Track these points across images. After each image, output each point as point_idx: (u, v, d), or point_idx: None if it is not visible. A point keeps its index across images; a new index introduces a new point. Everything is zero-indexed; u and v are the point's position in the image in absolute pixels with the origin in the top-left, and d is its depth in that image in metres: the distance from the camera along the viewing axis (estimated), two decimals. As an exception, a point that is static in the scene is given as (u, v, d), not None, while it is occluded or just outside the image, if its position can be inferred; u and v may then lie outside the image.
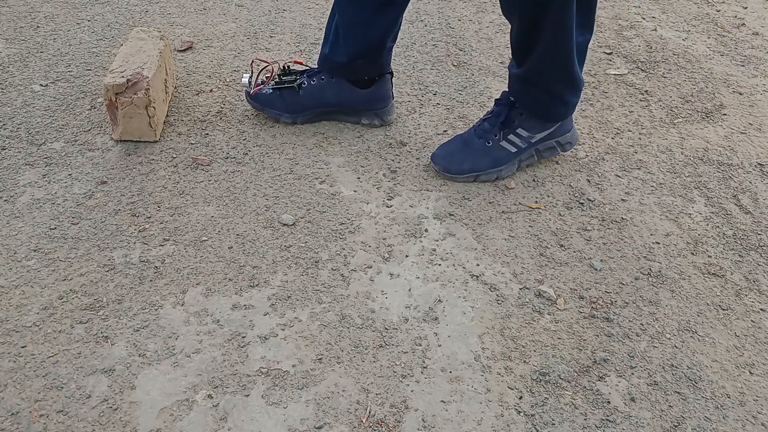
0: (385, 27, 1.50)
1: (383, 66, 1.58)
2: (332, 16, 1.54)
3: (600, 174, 1.57)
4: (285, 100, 1.60)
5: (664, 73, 1.94)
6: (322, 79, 1.60)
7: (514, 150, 1.50)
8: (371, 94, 1.60)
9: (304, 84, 1.60)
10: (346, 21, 1.49)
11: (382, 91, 1.61)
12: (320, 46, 1.61)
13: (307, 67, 1.65)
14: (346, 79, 1.58)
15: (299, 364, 1.12)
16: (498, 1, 1.42)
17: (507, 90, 1.52)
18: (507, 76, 1.87)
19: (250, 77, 1.61)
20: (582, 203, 1.48)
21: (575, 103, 1.50)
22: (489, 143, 1.49)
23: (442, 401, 1.09)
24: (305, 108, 1.61)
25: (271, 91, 1.60)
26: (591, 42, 1.99)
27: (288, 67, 1.63)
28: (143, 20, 2.01)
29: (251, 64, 1.65)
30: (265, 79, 1.63)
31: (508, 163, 1.51)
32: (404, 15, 2.11)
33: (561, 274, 1.31)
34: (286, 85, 1.60)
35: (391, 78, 1.62)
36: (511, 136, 1.50)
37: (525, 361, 1.15)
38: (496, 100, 1.54)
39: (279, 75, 1.61)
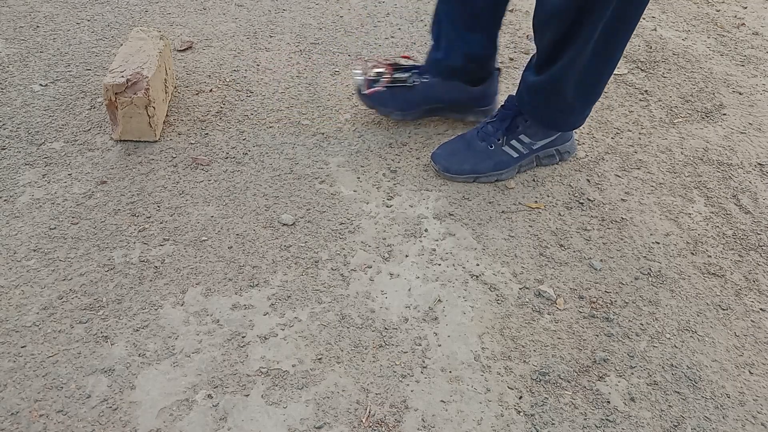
0: (487, 35, 1.51)
1: (492, 69, 1.59)
2: (437, 22, 1.54)
3: (600, 174, 1.57)
4: (396, 98, 1.60)
5: (663, 73, 1.94)
6: (432, 78, 1.59)
7: (515, 155, 1.51)
8: (483, 92, 1.60)
9: (416, 81, 1.59)
10: (451, 33, 1.51)
11: (492, 87, 1.61)
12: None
13: (416, 63, 1.65)
14: (460, 80, 1.58)
15: (299, 364, 1.12)
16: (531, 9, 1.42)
17: (513, 95, 1.51)
18: (504, 78, 1.87)
19: (363, 74, 1.61)
20: (582, 203, 1.48)
21: (586, 116, 1.50)
22: (491, 147, 1.50)
23: (442, 401, 1.09)
24: (417, 105, 1.62)
25: (384, 89, 1.60)
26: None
27: (397, 63, 1.63)
28: (143, 20, 2.01)
29: (364, 60, 1.63)
30: (377, 76, 1.62)
31: (509, 168, 1.52)
32: (405, 15, 2.12)
33: (561, 274, 1.31)
34: (398, 84, 1.59)
35: (499, 74, 1.61)
36: (513, 142, 1.50)
37: (525, 361, 1.15)
38: (502, 105, 1.53)
39: (388, 72, 1.61)
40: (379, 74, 1.60)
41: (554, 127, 1.50)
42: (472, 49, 1.51)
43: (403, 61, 1.64)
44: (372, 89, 1.58)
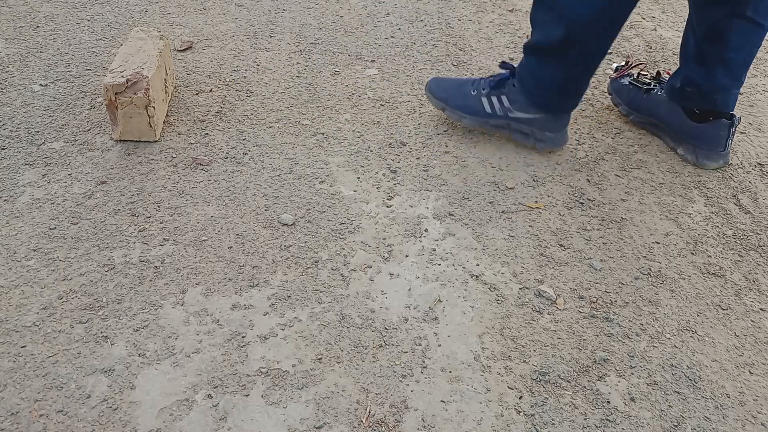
0: (699, 63, 1.53)
1: (716, 103, 1.54)
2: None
3: (600, 174, 1.57)
4: (629, 94, 1.70)
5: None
6: (664, 95, 1.63)
7: (489, 111, 1.56)
8: (699, 130, 1.57)
9: (653, 91, 1.64)
10: (682, 54, 1.57)
11: (711, 132, 1.56)
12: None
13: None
14: (677, 103, 1.59)
15: (299, 364, 1.12)
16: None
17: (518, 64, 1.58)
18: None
19: (621, 65, 1.74)
20: (582, 203, 1.48)
21: (577, 104, 1.54)
22: (474, 92, 1.58)
23: (441, 401, 1.09)
24: (639, 110, 1.68)
25: (626, 84, 1.70)
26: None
27: (659, 74, 1.70)
28: (143, 20, 2.01)
29: (629, 56, 1.82)
30: (629, 70, 1.73)
31: (475, 117, 1.58)
32: (405, 15, 2.12)
33: (561, 274, 1.31)
34: (638, 84, 1.68)
35: (731, 126, 1.54)
36: (493, 98, 1.55)
37: (525, 361, 1.15)
38: (502, 61, 1.59)
39: (639, 73, 1.71)
40: (626, 69, 1.73)
41: (541, 105, 1.53)
42: (689, 72, 1.54)
43: (666, 76, 1.70)
44: (615, 75, 1.72)
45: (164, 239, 1.33)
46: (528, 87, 1.52)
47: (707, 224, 1.46)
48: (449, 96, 1.59)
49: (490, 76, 1.60)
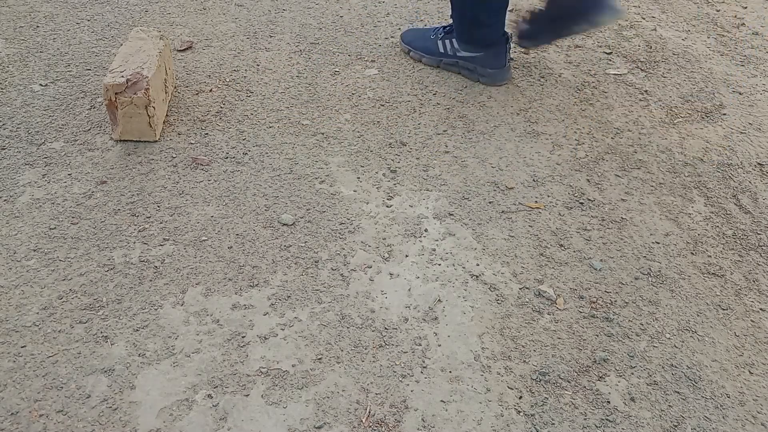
0: None
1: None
2: None
3: (600, 174, 1.57)
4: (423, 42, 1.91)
5: (663, 73, 1.94)
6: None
7: (442, 51, 1.86)
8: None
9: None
10: None
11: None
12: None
13: None
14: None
15: (299, 363, 1.12)
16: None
17: None
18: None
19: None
20: (582, 203, 1.48)
21: (500, 36, 1.78)
22: (432, 37, 1.88)
23: (441, 401, 1.09)
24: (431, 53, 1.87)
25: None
26: (590, 41, 2.01)
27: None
28: (143, 20, 2.01)
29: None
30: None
31: (432, 56, 1.88)
32: (405, 15, 2.12)
33: (561, 274, 1.31)
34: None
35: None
36: (446, 41, 1.85)
37: (525, 361, 1.15)
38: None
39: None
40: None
41: (469, 40, 1.80)
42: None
43: None
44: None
45: (164, 239, 1.33)
46: (457, 27, 1.80)
47: (707, 224, 1.46)
48: (414, 40, 1.91)
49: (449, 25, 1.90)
